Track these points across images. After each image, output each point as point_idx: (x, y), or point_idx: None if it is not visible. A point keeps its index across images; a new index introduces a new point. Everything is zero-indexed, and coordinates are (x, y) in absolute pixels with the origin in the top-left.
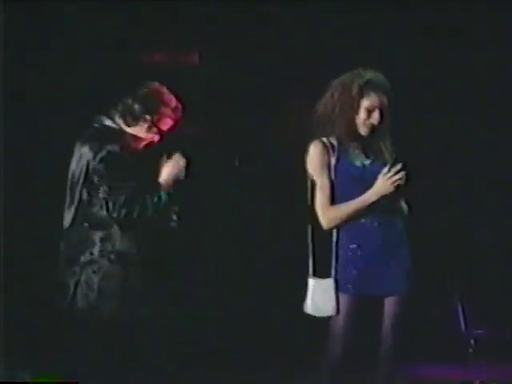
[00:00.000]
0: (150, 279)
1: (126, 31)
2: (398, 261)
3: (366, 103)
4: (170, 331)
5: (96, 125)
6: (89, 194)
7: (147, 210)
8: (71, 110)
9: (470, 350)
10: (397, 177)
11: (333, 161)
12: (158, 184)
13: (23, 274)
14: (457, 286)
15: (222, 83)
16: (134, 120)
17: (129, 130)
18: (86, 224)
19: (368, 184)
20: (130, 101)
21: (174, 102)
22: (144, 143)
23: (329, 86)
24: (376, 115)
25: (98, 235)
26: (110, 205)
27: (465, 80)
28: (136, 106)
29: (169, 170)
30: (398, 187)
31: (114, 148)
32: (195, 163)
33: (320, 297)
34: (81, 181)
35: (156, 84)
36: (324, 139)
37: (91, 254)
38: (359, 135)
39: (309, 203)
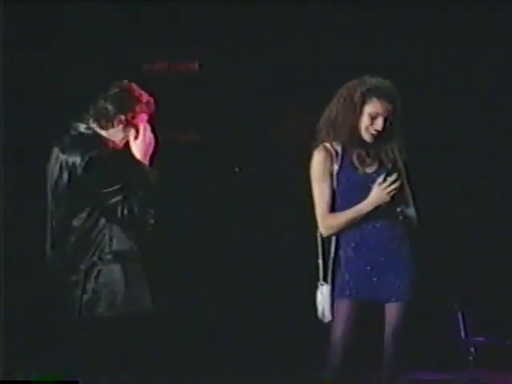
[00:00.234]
0: (150, 279)
1: (125, 31)
2: (398, 267)
3: (368, 109)
4: (171, 331)
5: (73, 132)
6: (76, 201)
7: (143, 202)
8: (71, 110)
9: (470, 357)
10: (392, 186)
11: (335, 168)
12: (139, 163)
13: (23, 274)
14: (457, 293)
15: (222, 84)
16: (108, 122)
17: (104, 133)
18: (79, 231)
19: (367, 192)
20: (102, 102)
21: (145, 96)
22: (123, 143)
23: (336, 92)
24: (379, 122)
25: (92, 240)
26: (104, 210)
27: (465, 80)
28: (109, 107)
29: (138, 144)
30: (393, 197)
31: (94, 154)
32: (196, 166)
33: (321, 302)
34: (64, 190)
35: (125, 82)
36: (328, 145)
37: (91, 257)
38: (363, 142)
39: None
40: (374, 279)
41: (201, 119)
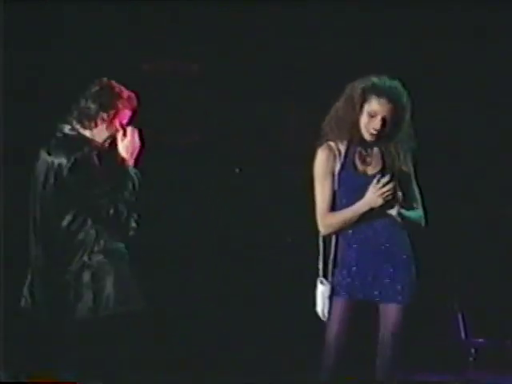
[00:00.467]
0: (142, 278)
1: (125, 31)
2: (398, 268)
3: (367, 108)
4: (170, 331)
5: (58, 134)
6: (63, 203)
7: (129, 202)
8: (62, 112)
9: (471, 358)
10: (384, 189)
11: (337, 167)
12: (123, 160)
13: (23, 275)
14: (457, 293)
15: (222, 84)
16: (91, 121)
17: (89, 134)
18: (66, 232)
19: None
20: (83, 102)
21: (125, 92)
22: (108, 143)
23: (336, 91)
24: (377, 121)
25: (79, 241)
26: (92, 211)
27: (465, 80)
28: (91, 106)
29: (125, 143)
30: (387, 200)
31: (79, 156)
32: (196, 167)
33: (320, 300)
34: (50, 191)
35: (104, 79)
36: (332, 144)
37: (81, 258)
38: (364, 141)
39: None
40: (373, 280)
41: (201, 119)
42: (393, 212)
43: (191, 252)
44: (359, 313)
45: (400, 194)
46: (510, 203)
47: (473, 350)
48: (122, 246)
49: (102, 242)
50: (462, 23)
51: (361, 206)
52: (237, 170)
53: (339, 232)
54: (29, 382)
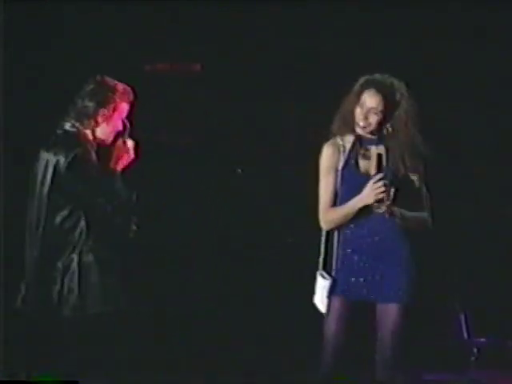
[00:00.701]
0: (145, 277)
1: (125, 31)
2: (398, 268)
3: (361, 100)
4: (170, 331)
5: (59, 131)
6: (59, 199)
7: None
8: (61, 110)
9: (473, 358)
10: (376, 186)
11: (341, 164)
12: (114, 172)
13: (23, 275)
14: (459, 293)
15: (222, 85)
16: (91, 119)
17: (90, 132)
18: (59, 229)
19: None
20: (80, 102)
21: (120, 86)
22: (112, 137)
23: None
24: (366, 114)
25: (72, 239)
26: (87, 209)
27: (465, 80)
28: (89, 104)
29: (118, 154)
30: (379, 198)
31: (79, 152)
32: (196, 167)
33: (319, 293)
34: (47, 187)
35: (97, 76)
36: (338, 140)
37: (68, 257)
38: (369, 140)
39: None
40: (373, 279)
41: (201, 119)
42: (379, 210)
43: (191, 252)
44: (358, 312)
45: (392, 193)
46: (510, 203)
47: (475, 350)
48: (114, 246)
49: (92, 241)
50: (461, 23)
51: (356, 203)
52: (239, 171)
53: (341, 231)
54: (29, 381)
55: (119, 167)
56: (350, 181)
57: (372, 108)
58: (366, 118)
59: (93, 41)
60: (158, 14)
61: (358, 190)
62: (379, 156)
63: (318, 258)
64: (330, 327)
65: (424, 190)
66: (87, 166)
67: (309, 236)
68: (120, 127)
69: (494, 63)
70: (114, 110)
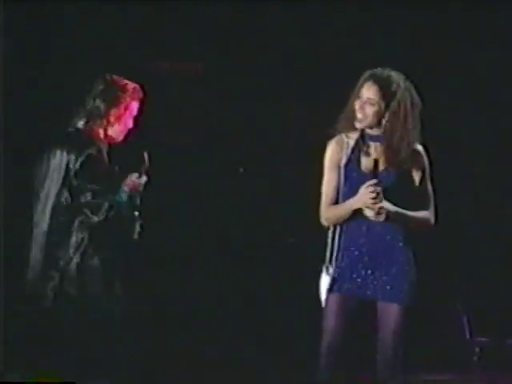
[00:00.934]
0: (144, 277)
1: (125, 31)
2: (399, 268)
3: (359, 93)
4: (170, 331)
5: (71, 129)
6: (70, 197)
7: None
8: (71, 110)
9: (475, 358)
10: (370, 195)
11: (343, 161)
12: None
13: (23, 275)
14: (460, 294)
15: (222, 85)
16: (103, 120)
17: (102, 132)
18: (65, 227)
19: None
20: (91, 102)
21: (129, 84)
22: (123, 135)
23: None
24: (358, 106)
25: (78, 238)
26: (95, 208)
27: (465, 80)
28: (100, 106)
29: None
30: (372, 202)
31: (94, 151)
32: (196, 167)
33: (321, 287)
34: (58, 185)
35: (107, 76)
36: (343, 137)
37: (72, 257)
38: (371, 137)
39: None
40: (375, 279)
41: (201, 119)
42: (368, 214)
43: (191, 252)
44: (359, 310)
45: (381, 198)
46: (510, 203)
47: (477, 350)
48: (117, 247)
49: (97, 243)
50: (461, 23)
51: (350, 205)
52: (241, 170)
53: (344, 229)
54: (29, 381)
55: (127, 189)
56: (352, 178)
57: (368, 98)
58: (362, 109)
59: (93, 41)
60: (157, 14)
61: (359, 187)
62: (375, 161)
63: (324, 253)
64: (330, 325)
65: (429, 186)
66: (99, 167)
67: (309, 236)
68: (131, 125)
69: (494, 63)
70: (125, 109)
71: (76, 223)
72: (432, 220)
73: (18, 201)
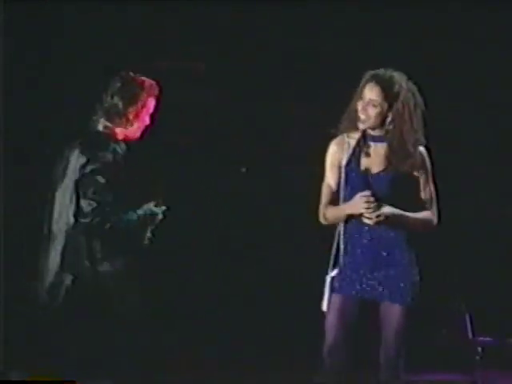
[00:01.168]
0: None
1: (125, 31)
2: (401, 269)
3: (362, 94)
4: (169, 331)
5: (90, 130)
6: (80, 202)
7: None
8: (71, 110)
9: (478, 357)
10: (364, 205)
11: (344, 161)
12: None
13: (23, 275)
14: (462, 293)
15: (222, 85)
16: (122, 118)
17: (120, 130)
18: (77, 234)
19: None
20: (109, 100)
21: (147, 81)
22: (139, 132)
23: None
24: (361, 107)
25: (89, 241)
26: (87, 212)
27: (465, 80)
28: (118, 103)
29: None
30: (367, 212)
31: (107, 158)
32: (196, 167)
33: (325, 287)
34: (71, 188)
35: (123, 73)
36: (345, 137)
37: (83, 259)
38: (373, 137)
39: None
40: (377, 280)
41: (201, 119)
42: (367, 221)
43: (191, 252)
44: (362, 311)
45: (377, 207)
46: (510, 203)
47: (480, 349)
48: (128, 252)
49: (108, 248)
50: (461, 23)
51: (345, 209)
52: (243, 170)
53: (346, 230)
54: (29, 381)
55: (141, 213)
56: (352, 178)
57: (371, 100)
58: (365, 110)
59: (93, 41)
60: (157, 14)
61: (358, 187)
62: (386, 155)
63: (324, 253)
64: (333, 326)
65: (431, 187)
66: (115, 172)
67: (309, 236)
68: (147, 122)
69: (494, 63)
70: (143, 106)
71: (88, 228)
72: (435, 220)
73: (18, 201)
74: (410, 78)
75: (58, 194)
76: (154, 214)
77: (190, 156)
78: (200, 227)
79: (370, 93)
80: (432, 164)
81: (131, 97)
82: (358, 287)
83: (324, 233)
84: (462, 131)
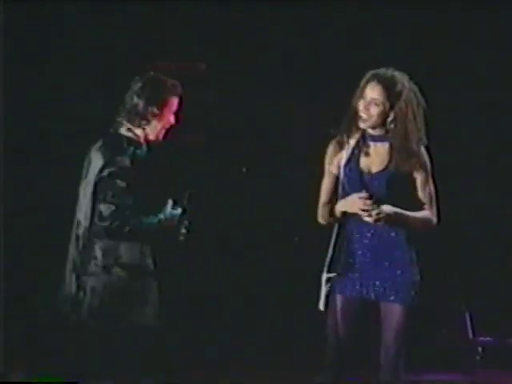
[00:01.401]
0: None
1: (126, 31)
2: (402, 269)
3: (363, 93)
4: (169, 331)
5: (112, 131)
6: (94, 204)
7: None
8: (71, 110)
9: (478, 357)
10: (360, 205)
11: (343, 160)
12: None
13: (23, 275)
14: (463, 293)
15: (223, 85)
16: (142, 119)
17: (140, 132)
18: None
19: (370, 192)
20: (129, 100)
21: (168, 81)
22: (163, 133)
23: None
24: (363, 106)
25: (103, 245)
26: (106, 215)
27: (465, 80)
28: (139, 103)
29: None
30: (363, 211)
31: (126, 163)
32: (197, 166)
33: (324, 288)
34: (91, 190)
35: (146, 74)
36: (344, 137)
37: (96, 264)
38: (373, 137)
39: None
40: (378, 280)
41: (201, 119)
42: (367, 219)
43: (191, 252)
44: (361, 311)
45: (375, 206)
46: (510, 203)
47: (480, 349)
48: (143, 257)
49: (122, 251)
50: (462, 23)
51: (342, 205)
52: (244, 170)
53: (346, 230)
54: (29, 381)
55: (162, 217)
56: (351, 177)
57: (373, 99)
58: (367, 109)
59: (93, 41)
60: (157, 14)
61: (358, 187)
62: (387, 155)
63: (324, 253)
64: (333, 326)
65: (431, 187)
66: (134, 175)
67: (309, 236)
68: (172, 121)
69: (494, 63)
70: (165, 106)
71: (107, 232)
72: (434, 220)
73: (18, 201)
74: (410, 78)
75: (81, 196)
76: (174, 217)
77: (190, 156)
78: (200, 227)
79: (372, 92)
80: (432, 163)
81: (151, 97)
82: (359, 287)
83: (324, 233)
84: (462, 131)
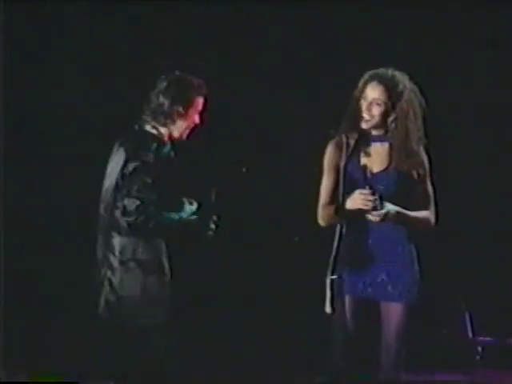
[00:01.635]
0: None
1: (125, 31)
2: (402, 268)
3: (364, 93)
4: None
5: (137, 128)
6: (115, 198)
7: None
8: (71, 110)
9: (478, 357)
10: (362, 202)
11: (343, 161)
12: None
13: (23, 275)
14: (463, 293)
15: (223, 84)
16: (167, 118)
17: (165, 131)
18: (111, 228)
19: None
20: (155, 100)
21: (194, 81)
22: (188, 132)
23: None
24: (364, 107)
25: (121, 241)
26: (131, 210)
27: (465, 80)
28: (164, 103)
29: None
30: (365, 208)
31: (149, 158)
32: (197, 166)
33: (327, 288)
34: (113, 185)
35: (171, 73)
36: (343, 138)
37: (114, 258)
38: (374, 137)
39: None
40: (378, 279)
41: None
42: (370, 217)
43: (191, 252)
44: (362, 311)
45: (381, 205)
46: (510, 203)
47: (480, 349)
48: (157, 256)
49: (140, 250)
50: (461, 23)
51: (348, 204)
52: (244, 170)
53: (347, 230)
54: (29, 381)
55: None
56: (351, 178)
57: (374, 99)
58: (369, 109)
59: (93, 41)
60: (157, 14)
61: (358, 187)
62: (387, 154)
63: (324, 253)
64: (339, 326)
65: (429, 186)
66: (157, 172)
67: (309, 236)
68: (197, 121)
69: (494, 63)
70: (190, 105)
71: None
72: (432, 220)
73: (18, 201)
74: (410, 78)
75: (103, 191)
76: (194, 214)
77: (190, 156)
78: (200, 227)
79: (373, 92)
80: (430, 163)
81: (177, 96)
82: (360, 287)
83: (324, 233)
84: (462, 131)
